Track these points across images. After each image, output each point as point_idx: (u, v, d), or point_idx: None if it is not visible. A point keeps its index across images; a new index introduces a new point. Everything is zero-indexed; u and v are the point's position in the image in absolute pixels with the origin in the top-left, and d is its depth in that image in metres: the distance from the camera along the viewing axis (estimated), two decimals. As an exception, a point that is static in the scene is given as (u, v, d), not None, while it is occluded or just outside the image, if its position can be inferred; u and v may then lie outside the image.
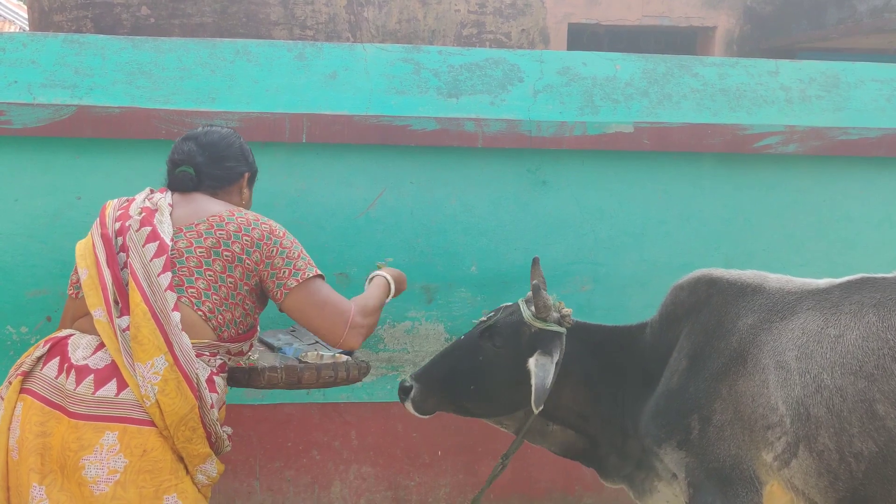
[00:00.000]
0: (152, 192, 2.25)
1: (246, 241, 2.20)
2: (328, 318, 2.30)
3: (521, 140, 3.56)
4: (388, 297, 2.59)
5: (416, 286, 3.68)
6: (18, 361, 2.05)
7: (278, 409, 3.68)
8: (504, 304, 2.76)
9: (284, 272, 2.25)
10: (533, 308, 2.55)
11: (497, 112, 3.57)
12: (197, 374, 2.04)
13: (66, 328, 2.15)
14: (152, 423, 1.97)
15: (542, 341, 2.49)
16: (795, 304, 2.28)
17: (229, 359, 2.26)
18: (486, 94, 3.59)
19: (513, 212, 3.68)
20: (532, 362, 2.39)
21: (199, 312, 2.13)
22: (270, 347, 2.68)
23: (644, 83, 3.71)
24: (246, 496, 3.74)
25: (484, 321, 2.69)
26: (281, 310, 2.32)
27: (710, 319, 2.36)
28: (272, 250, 2.24)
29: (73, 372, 1.95)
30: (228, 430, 2.22)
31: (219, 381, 2.17)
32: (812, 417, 2.12)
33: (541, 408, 2.35)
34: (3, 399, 2.02)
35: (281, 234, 2.29)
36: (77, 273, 2.17)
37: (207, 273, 2.14)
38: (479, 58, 3.64)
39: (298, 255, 2.31)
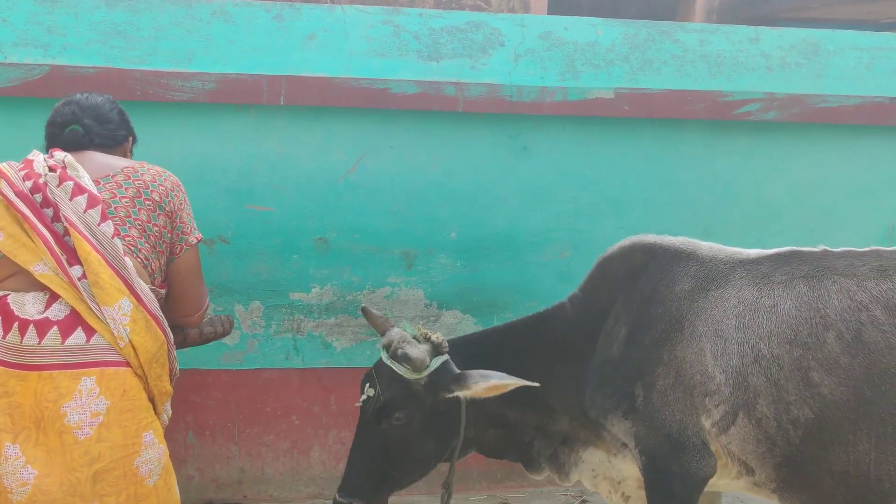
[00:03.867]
0: (40, 153, 2.22)
1: (161, 189, 2.24)
2: (202, 286, 2.42)
3: (502, 105, 3.54)
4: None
5: (396, 252, 3.67)
6: None
7: (257, 374, 3.67)
8: (366, 374, 2.49)
9: (188, 227, 2.32)
10: (406, 366, 2.35)
11: (478, 76, 3.55)
12: (160, 314, 2.09)
13: None
14: (127, 364, 1.98)
15: (439, 382, 2.35)
16: (728, 274, 2.29)
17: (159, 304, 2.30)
18: (467, 58, 3.56)
19: (493, 177, 3.66)
20: (479, 386, 2.29)
21: (138, 259, 2.16)
22: None
23: (625, 49, 3.69)
24: (225, 461, 3.74)
25: (367, 400, 2.42)
26: (171, 269, 2.30)
27: (647, 285, 2.34)
28: (180, 203, 2.29)
29: (30, 327, 1.92)
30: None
31: (166, 323, 2.19)
32: (751, 386, 2.15)
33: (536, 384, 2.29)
34: None
35: (184, 191, 2.35)
36: None
37: (136, 222, 2.16)
38: (460, 21, 3.60)
39: (192, 215, 2.36)
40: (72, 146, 2.28)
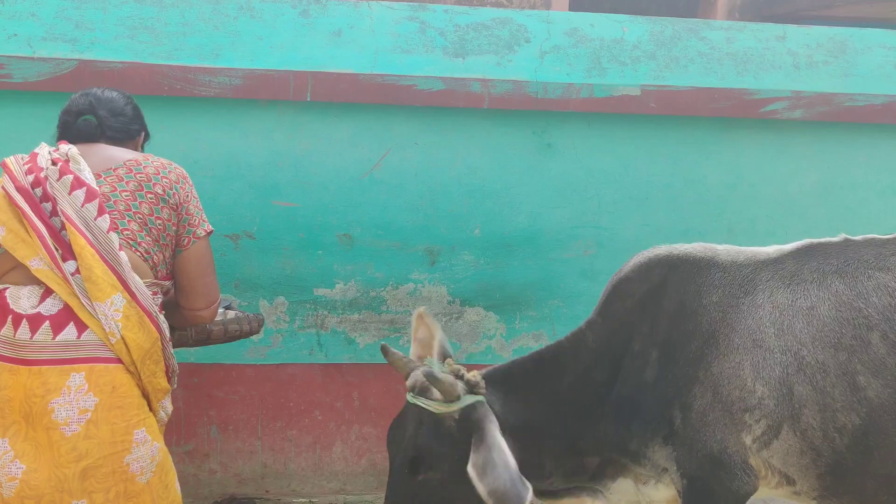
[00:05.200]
0: (47, 146, 2.24)
1: (165, 182, 2.22)
2: (212, 280, 2.36)
3: (528, 102, 3.53)
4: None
5: (420, 248, 3.67)
6: None
7: (280, 369, 3.68)
8: (391, 424, 2.27)
9: (195, 219, 2.29)
10: (436, 394, 2.12)
11: (503, 73, 3.54)
12: (154, 309, 2.07)
13: None
14: (118, 361, 1.97)
15: (469, 421, 2.08)
16: (754, 277, 2.18)
17: (163, 298, 2.29)
18: (493, 55, 3.55)
19: (518, 174, 3.65)
20: (471, 471, 1.94)
21: (138, 253, 2.14)
22: None
23: (651, 46, 3.67)
24: (248, 455, 3.75)
25: (396, 451, 2.19)
26: (177, 261, 2.28)
27: (672, 302, 2.20)
28: (187, 195, 2.27)
29: (23, 322, 1.92)
30: (178, 367, 2.26)
31: (162, 318, 2.18)
32: (795, 396, 2.07)
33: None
34: None
35: (190, 182, 2.32)
36: None
37: (137, 216, 2.15)
38: (486, 17, 3.59)
39: (201, 207, 2.34)
40: (83, 137, 2.29)
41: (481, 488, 1.91)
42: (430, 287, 3.71)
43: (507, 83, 3.51)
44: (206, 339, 2.46)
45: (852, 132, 3.83)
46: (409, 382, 2.20)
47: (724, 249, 2.29)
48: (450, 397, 2.09)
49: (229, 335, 2.52)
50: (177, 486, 2.10)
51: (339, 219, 3.59)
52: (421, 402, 2.13)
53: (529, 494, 1.91)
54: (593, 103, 3.57)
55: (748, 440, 2.11)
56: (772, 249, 2.27)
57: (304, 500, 3.77)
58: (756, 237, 3.69)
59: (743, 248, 2.31)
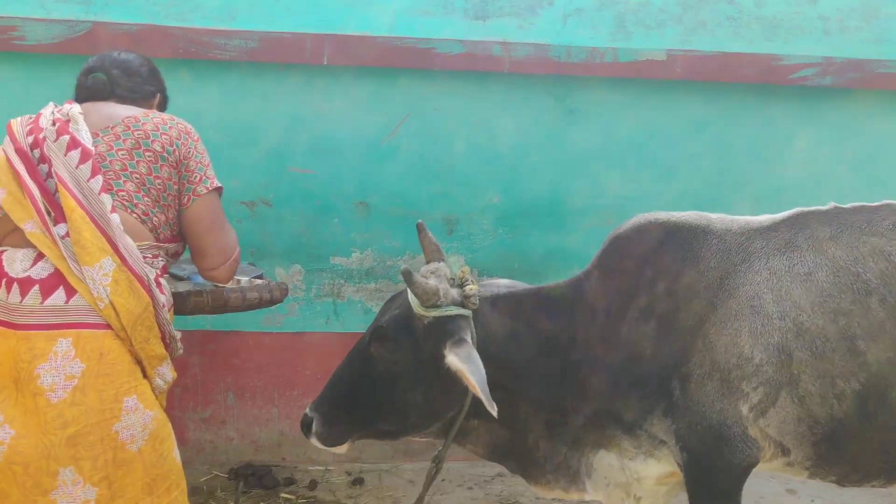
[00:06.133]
0: (56, 105, 2.20)
1: (165, 138, 2.16)
2: (222, 237, 2.30)
3: (550, 66, 3.44)
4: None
5: (437, 217, 3.61)
6: None
7: (297, 337, 3.66)
8: (396, 294, 2.32)
9: (196, 177, 2.22)
10: (414, 294, 2.12)
11: (525, 36, 3.44)
12: (146, 274, 2.01)
13: None
14: (107, 326, 1.92)
15: (442, 331, 2.08)
16: (748, 245, 2.15)
17: (167, 260, 2.24)
18: (515, 17, 3.45)
19: (538, 141, 3.58)
20: (453, 360, 1.99)
21: (134, 215, 2.09)
22: (177, 277, 2.62)
23: (678, 9, 3.56)
24: (264, 423, 3.74)
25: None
26: (181, 220, 2.23)
27: (669, 269, 2.16)
28: (189, 151, 2.20)
29: (14, 285, 1.90)
30: (179, 333, 2.19)
31: (163, 282, 2.11)
32: (794, 362, 2.04)
33: (496, 408, 1.95)
34: None
35: (196, 138, 2.26)
36: None
37: (134, 175, 2.10)
38: (508, -21, 3.49)
39: (208, 164, 2.26)
40: (93, 95, 2.26)
41: (467, 373, 1.96)
42: (448, 256, 3.61)
43: (529, 46, 3.41)
44: (223, 306, 2.40)
45: (884, 100, 3.71)
46: (422, 269, 2.22)
47: (717, 218, 2.26)
48: (424, 303, 2.09)
49: (248, 303, 2.45)
50: (175, 455, 2.06)
51: (355, 186, 3.54)
52: (409, 294, 2.13)
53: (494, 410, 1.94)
54: (617, 68, 3.47)
55: (745, 409, 2.08)
56: (763, 218, 2.25)
57: (320, 468, 3.77)
58: (783, 207, 3.59)
59: (735, 217, 2.27)
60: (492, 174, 3.59)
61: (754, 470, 2.17)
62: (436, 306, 2.10)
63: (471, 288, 2.15)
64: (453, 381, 2.08)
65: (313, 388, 3.73)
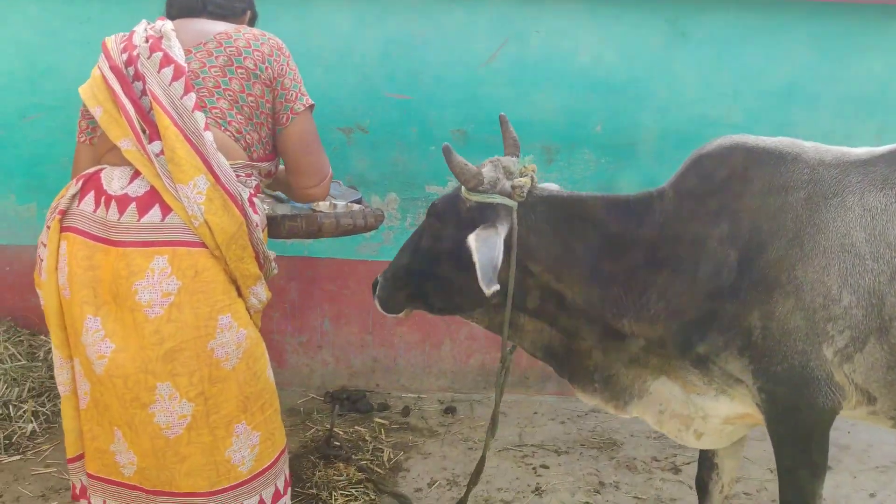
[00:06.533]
0: (149, 22, 2.16)
1: (257, 55, 2.10)
2: (319, 155, 2.26)
3: (661, -15, 3.23)
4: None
5: (537, 145, 3.49)
6: (53, 203, 2.00)
7: (392, 266, 3.65)
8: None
9: (292, 94, 2.16)
10: (460, 174, 2.10)
11: (636, -47, 3.23)
12: (240, 193, 1.98)
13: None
14: (202, 245, 1.91)
15: (482, 217, 2.06)
16: (842, 178, 1.98)
17: (261, 180, 2.21)
18: (625, -68, 3.24)
19: (647, 66, 3.39)
20: (471, 238, 1.98)
21: (227, 133, 2.06)
22: (277, 199, 2.59)
23: (805, -80, 3.27)
24: (359, 349, 3.79)
25: None
26: (279, 139, 2.19)
27: (754, 197, 2.01)
28: (282, 68, 2.14)
29: (113, 202, 1.90)
30: (273, 253, 2.18)
31: (257, 202, 2.09)
32: (887, 307, 1.89)
33: (492, 290, 1.93)
34: (45, 245, 2.00)
35: (287, 54, 2.17)
36: (86, 118, 2.12)
37: (227, 93, 2.07)
38: None
39: (301, 81, 2.20)
40: (185, 11, 2.21)
41: (473, 251, 1.96)
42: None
43: (639, -36, 3.20)
44: (317, 231, 2.38)
45: None
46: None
47: (811, 146, 2.07)
48: (465, 185, 2.08)
49: (342, 229, 2.43)
50: (268, 374, 2.08)
51: (453, 113, 3.45)
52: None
53: (495, 286, 1.92)
54: (735, -13, 3.23)
55: (829, 353, 1.95)
56: (862, 151, 2.06)
57: (412, 395, 3.80)
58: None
59: (831, 147, 2.08)
60: (595, 101, 3.43)
61: (841, 416, 2.06)
62: (479, 192, 2.08)
63: (520, 180, 2.10)
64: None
65: (407, 318, 3.74)
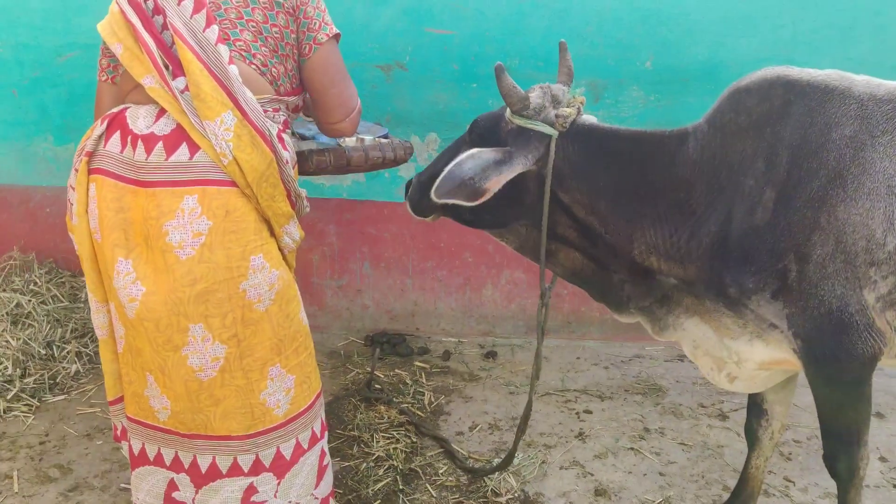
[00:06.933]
0: None
1: None
2: (346, 87, 2.17)
3: None
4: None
5: (583, 82, 3.35)
6: (80, 145, 1.94)
7: (432, 208, 3.57)
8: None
9: (315, 23, 2.07)
10: (507, 96, 2.06)
11: None
12: (268, 129, 1.90)
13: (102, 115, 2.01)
14: (232, 183, 1.85)
15: (517, 141, 2.03)
16: (894, 115, 1.83)
17: (289, 115, 2.13)
18: None
19: (700, -3, 3.22)
20: (469, 151, 1.99)
21: (253, 66, 1.98)
22: (302, 137, 2.49)
23: None
24: (399, 293, 3.74)
25: None
26: (303, 71, 2.10)
27: (794, 133, 1.88)
28: None
29: (139, 142, 1.83)
30: (304, 191, 2.10)
31: (287, 138, 2.01)
32: None
33: (440, 201, 1.95)
34: (73, 188, 1.95)
35: None
36: (106, 56, 2.04)
37: (250, 24, 1.98)
38: None
39: (325, 8, 2.10)
40: None
41: (451, 163, 1.97)
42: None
43: None
44: (346, 165, 2.30)
45: None
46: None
47: (862, 80, 1.91)
48: (511, 107, 2.03)
49: (371, 162, 2.35)
50: (301, 316, 2.03)
51: (495, 48, 3.32)
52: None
53: (443, 201, 1.95)
54: None
55: (871, 298, 1.84)
56: None
57: (452, 339, 3.76)
58: None
59: (884, 82, 1.92)
60: (645, 35, 3.27)
61: (883, 364, 1.95)
62: (523, 116, 2.03)
63: (565, 110, 2.04)
64: (521, 191, 2.07)
65: (447, 261, 3.69)
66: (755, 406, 2.33)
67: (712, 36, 3.25)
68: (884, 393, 3.19)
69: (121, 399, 2.07)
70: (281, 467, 1.99)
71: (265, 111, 1.97)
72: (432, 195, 1.96)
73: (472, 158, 1.97)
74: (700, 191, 1.98)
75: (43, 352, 3.25)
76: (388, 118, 3.41)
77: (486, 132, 2.11)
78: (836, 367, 1.91)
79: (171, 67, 1.86)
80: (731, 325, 2.06)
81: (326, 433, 2.14)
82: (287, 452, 2.01)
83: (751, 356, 2.09)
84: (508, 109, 2.05)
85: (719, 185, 1.96)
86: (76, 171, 1.94)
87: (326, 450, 2.12)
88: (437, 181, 1.97)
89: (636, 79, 3.33)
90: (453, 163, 1.98)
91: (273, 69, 2.03)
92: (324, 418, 2.14)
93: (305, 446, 2.04)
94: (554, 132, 2.02)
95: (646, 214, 2.02)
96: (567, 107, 2.04)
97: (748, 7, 3.21)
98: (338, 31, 2.12)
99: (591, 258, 2.17)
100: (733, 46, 3.25)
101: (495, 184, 1.97)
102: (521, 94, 2.01)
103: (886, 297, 1.84)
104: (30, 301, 3.42)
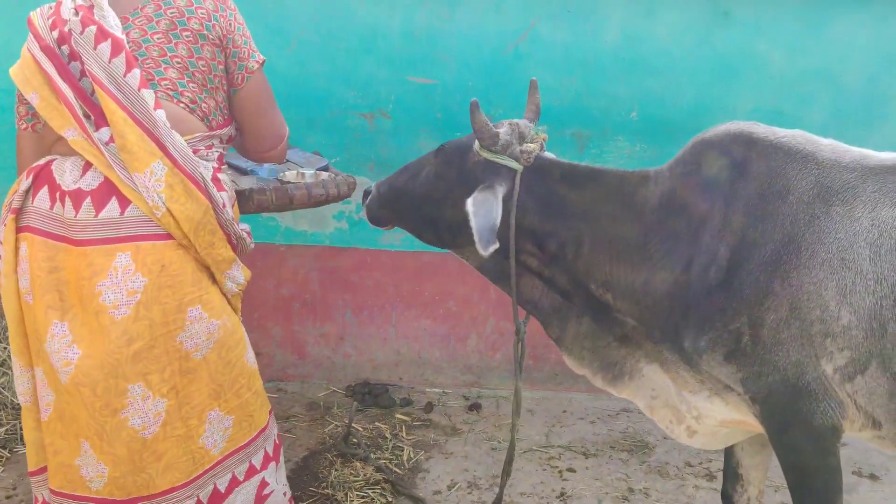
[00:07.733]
0: None
1: (202, 13, 1.93)
2: (273, 116, 2.13)
3: (702, -40, 3.03)
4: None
5: (567, 132, 3.33)
6: (6, 200, 1.86)
7: (416, 256, 3.52)
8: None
9: (244, 52, 2.02)
10: (476, 131, 2.07)
11: (675, -74, 3.03)
12: (201, 174, 1.84)
13: (28, 166, 1.91)
14: (168, 236, 1.80)
15: (487, 174, 2.03)
16: (857, 185, 1.78)
17: (223, 148, 2.07)
18: None
19: (685, 47, 3.18)
20: (469, 202, 1.96)
21: (181, 105, 1.91)
22: (239, 170, 2.43)
23: None
24: (382, 342, 3.67)
25: None
26: (233, 101, 2.05)
27: (752, 193, 1.83)
28: (230, 24, 1.98)
29: (66, 198, 1.77)
30: (246, 227, 2.05)
31: (222, 177, 1.96)
32: (889, 334, 1.71)
33: (490, 251, 1.91)
34: (1, 244, 1.87)
35: (233, 7, 2.02)
36: (23, 103, 1.93)
37: (175, 60, 1.90)
38: None
39: (250, 35, 2.06)
40: None
41: (470, 215, 1.94)
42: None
43: (679, -62, 3.01)
44: (288, 203, 2.26)
45: None
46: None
47: (828, 145, 1.87)
48: (481, 140, 2.05)
49: (314, 200, 2.30)
50: (245, 359, 1.98)
51: (479, 97, 3.21)
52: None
53: (493, 247, 1.91)
54: (782, -38, 3.02)
55: (829, 369, 1.77)
56: (887, 156, 1.83)
57: (437, 390, 3.68)
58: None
59: (851, 148, 1.87)
60: (631, 85, 3.24)
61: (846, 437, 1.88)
62: (490, 150, 2.05)
63: (529, 146, 2.08)
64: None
65: (431, 309, 3.63)
66: (730, 470, 2.27)
67: (699, 86, 3.22)
68: (878, 453, 3.10)
69: (44, 469, 1.98)
70: (216, 501, 1.96)
71: (197, 150, 1.91)
72: (483, 253, 1.91)
73: (483, 205, 1.96)
74: (658, 237, 1.94)
75: (15, 401, 3.18)
76: (371, 166, 3.38)
77: (452, 159, 2.13)
78: (796, 436, 1.84)
79: (93, 117, 1.80)
80: (690, 379, 2.01)
81: (272, 464, 2.09)
82: (223, 486, 1.97)
83: (710, 413, 2.04)
84: (478, 142, 2.06)
85: (677, 235, 1.92)
86: (4, 225, 1.87)
87: (272, 481, 2.07)
88: (478, 240, 1.91)
89: (621, 129, 3.30)
90: (479, 217, 1.93)
91: (203, 104, 1.96)
92: (269, 451, 2.09)
93: (241, 478, 2.01)
94: (519, 167, 2.03)
95: (602, 250, 2.00)
96: (531, 142, 2.07)
97: (734, 57, 3.19)
98: (264, 58, 2.08)
99: (552, 286, 2.16)
100: (721, 96, 3.23)
101: (499, 215, 1.98)
102: (493, 132, 2.04)
103: (844, 369, 1.77)
104: (5, 349, 3.36)
